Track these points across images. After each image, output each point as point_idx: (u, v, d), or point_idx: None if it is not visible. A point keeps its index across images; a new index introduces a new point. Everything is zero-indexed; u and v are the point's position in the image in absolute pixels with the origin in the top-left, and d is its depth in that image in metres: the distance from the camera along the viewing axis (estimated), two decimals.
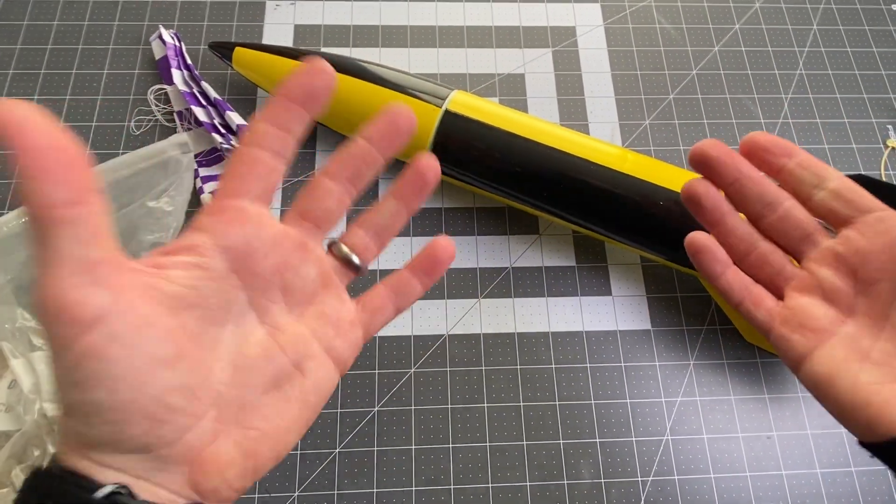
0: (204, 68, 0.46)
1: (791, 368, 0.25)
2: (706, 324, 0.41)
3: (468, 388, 0.38)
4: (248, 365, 0.21)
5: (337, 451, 0.36)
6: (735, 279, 0.26)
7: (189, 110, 0.42)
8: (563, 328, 0.40)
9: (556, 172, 0.38)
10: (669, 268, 0.41)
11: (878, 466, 0.37)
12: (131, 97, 0.45)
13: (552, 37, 0.49)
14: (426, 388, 0.38)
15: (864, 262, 0.24)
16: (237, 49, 0.42)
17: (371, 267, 0.39)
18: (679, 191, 0.36)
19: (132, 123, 0.44)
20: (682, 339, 0.40)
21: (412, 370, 0.39)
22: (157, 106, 0.44)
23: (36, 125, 0.16)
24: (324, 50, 0.47)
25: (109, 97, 0.45)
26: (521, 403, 0.38)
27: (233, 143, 0.41)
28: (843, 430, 0.38)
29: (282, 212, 0.42)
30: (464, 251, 0.42)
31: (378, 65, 0.41)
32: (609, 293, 0.41)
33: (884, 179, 0.46)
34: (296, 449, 0.36)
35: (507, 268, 0.42)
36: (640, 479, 0.37)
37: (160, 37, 0.45)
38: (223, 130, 0.41)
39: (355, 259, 0.24)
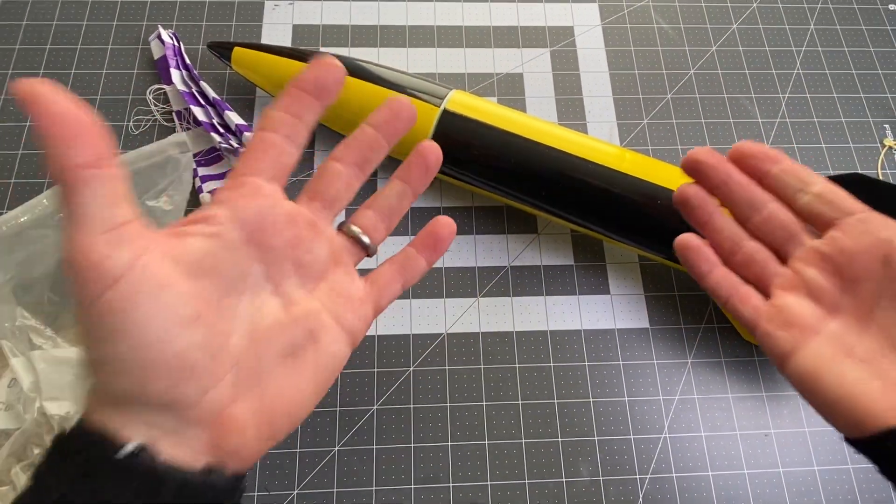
0: (203, 68, 0.46)
1: (777, 365, 0.25)
2: (704, 322, 0.41)
3: (467, 386, 0.38)
4: (264, 334, 0.22)
5: (336, 449, 0.36)
6: (722, 277, 0.27)
7: (188, 110, 0.42)
8: (561, 327, 0.40)
9: (554, 172, 0.38)
10: (667, 266, 0.41)
11: None
12: (130, 97, 0.45)
13: (550, 36, 0.50)
14: (425, 387, 0.38)
15: (848, 261, 0.24)
16: (236, 49, 0.42)
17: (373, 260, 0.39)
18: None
19: (131, 123, 0.44)
20: (680, 338, 0.40)
21: (411, 369, 0.39)
22: (155, 106, 0.44)
23: (56, 96, 0.17)
24: (322, 50, 0.47)
25: (108, 97, 0.45)
26: (520, 402, 0.38)
27: (231, 142, 0.41)
28: None
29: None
30: (462, 250, 0.42)
31: (377, 64, 0.41)
32: (607, 292, 0.41)
33: (880, 178, 0.46)
34: (295, 447, 0.36)
35: (505, 267, 0.42)
36: (638, 476, 0.37)
37: (159, 37, 0.45)
38: (222, 130, 0.42)
39: (365, 238, 0.25)
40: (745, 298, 0.26)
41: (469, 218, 0.43)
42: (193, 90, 0.43)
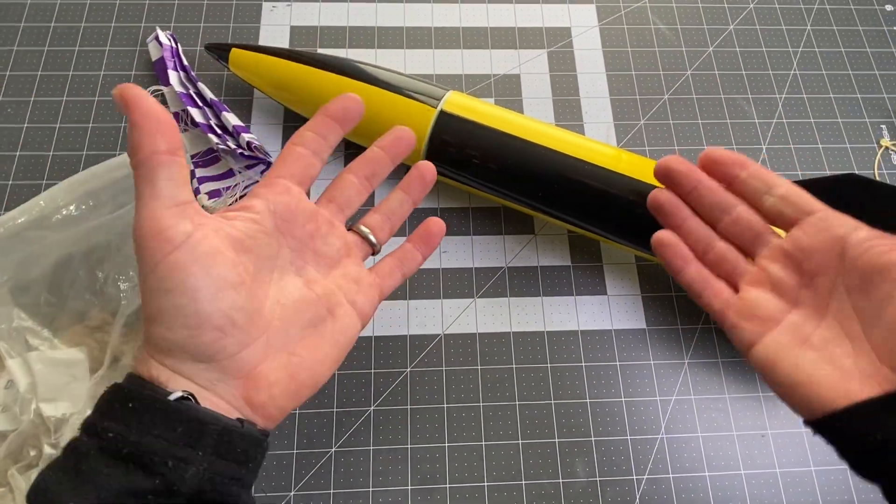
0: (200, 69, 0.46)
1: (742, 353, 0.28)
2: (701, 322, 0.41)
3: (464, 387, 0.38)
4: (291, 306, 0.26)
5: (333, 450, 0.36)
6: (696, 273, 0.30)
7: (185, 111, 0.42)
8: (558, 327, 0.40)
9: (550, 172, 0.38)
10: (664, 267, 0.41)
11: None
12: None
13: (547, 38, 0.50)
14: (422, 388, 0.38)
15: (807, 257, 0.27)
16: (233, 50, 0.42)
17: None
18: None
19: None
20: (676, 338, 0.40)
21: (408, 370, 0.39)
22: None
23: (146, 97, 0.22)
24: (320, 51, 0.47)
25: (106, 98, 0.45)
26: (517, 402, 0.38)
27: (229, 143, 0.41)
28: None
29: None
30: (459, 251, 0.42)
31: (374, 66, 0.41)
32: (604, 292, 0.41)
33: (877, 179, 0.46)
34: (291, 448, 0.36)
35: (502, 267, 0.42)
36: (635, 477, 0.37)
37: (157, 38, 0.46)
38: (219, 131, 0.42)
39: (371, 237, 0.31)
40: (717, 293, 0.29)
41: (466, 219, 0.43)
42: (191, 91, 0.43)
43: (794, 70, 0.50)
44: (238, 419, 0.23)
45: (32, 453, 0.31)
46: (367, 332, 0.39)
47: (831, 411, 0.24)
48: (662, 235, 0.30)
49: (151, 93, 0.44)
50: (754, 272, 0.28)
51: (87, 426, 0.22)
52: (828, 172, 0.46)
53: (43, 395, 0.31)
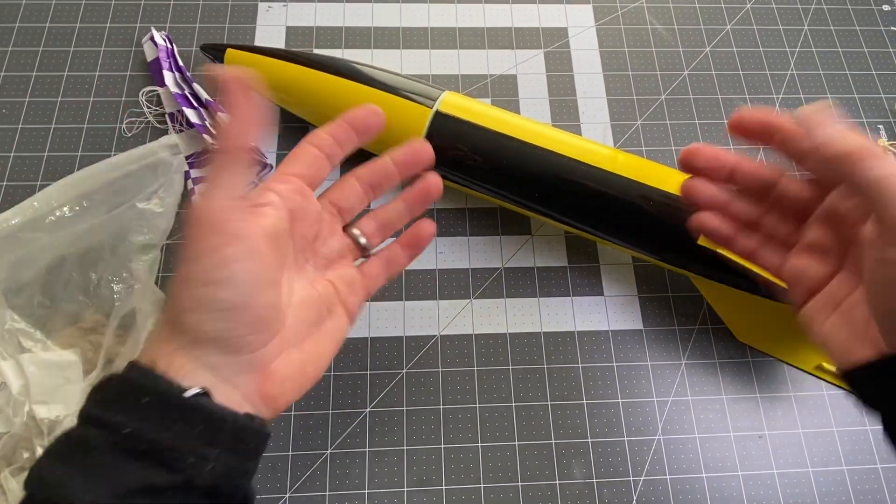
0: (195, 70, 0.46)
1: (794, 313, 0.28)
2: (698, 323, 0.41)
3: (460, 388, 0.38)
4: (300, 303, 0.27)
5: (328, 452, 0.36)
6: (746, 244, 0.30)
7: (181, 112, 0.42)
8: (554, 328, 0.40)
9: (547, 173, 0.38)
10: (661, 268, 0.41)
11: (870, 465, 0.37)
12: (123, 99, 0.45)
13: (544, 38, 0.49)
14: (418, 389, 0.38)
15: (845, 219, 0.27)
16: (229, 51, 0.42)
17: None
18: (670, 190, 0.36)
19: (124, 125, 0.44)
20: (673, 339, 0.40)
21: (404, 371, 0.38)
22: (148, 108, 0.44)
23: (249, 91, 0.23)
24: (316, 51, 0.47)
25: (101, 99, 0.45)
26: (513, 403, 0.38)
27: None
28: (836, 430, 0.38)
29: None
30: (456, 252, 0.42)
31: (369, 66, 0.41)
32: (601, 293, 0.41)
33: None
34: (287, 450, 0.36)
35: (499, 268, 0.42)
36: (631, 478, 0.37)
37: (152, 39, 0.45)
38: (214, 132, 0.41)
39: (363, 240, 0.31)
40: (769, 260, 0.29)
41: (463, 219, 0.43)
42: (186, 92, 0.43)
43: (792, 70, 0.49)
44: (247, 414, 0.23)
45: (25, 455, 0.31)
46: (363, 333, 0.39)
47: (843, 369, 0.25)
48: (703, 218, 0.30)
49: (146, 94, 0.44)
50: (803, 240, 0.28)
51: (93, 418, 0.21)
52: None
53: (36, 397, 0.31)
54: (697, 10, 0.51)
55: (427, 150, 0.30)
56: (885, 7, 0.53)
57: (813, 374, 0.36)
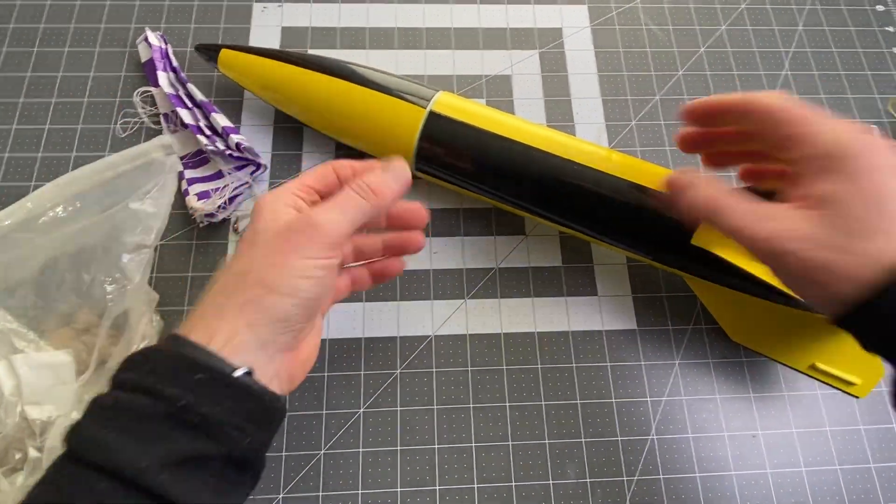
0: (190, 70, 0.46)
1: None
2: (692, 323, 0.41)
3: (454, 388, 0.38)
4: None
5: (322, 452, 0.36)
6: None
7: (175, 112, 0.42)
8: (549, 328, 0.40)
9: (541, 173, 0.38)
10: (655, 268, 0.41)
11: (863, 465, 0.37)
12: (118, 99, 0.45)
13: (539, 38, 0.50)
14: (412, 389, 0.38)
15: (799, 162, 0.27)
16: (223, 51, 0.42)
17: None
18: (664, 191, 0.36)
19: (118, 126, 0.44)
20: (667, 339, 0.40)
21: (398, 371, 0.38)
22: (143, 108, 0.44)
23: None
24: (311, 52, 0.47)
25: (96, 99, 0.45)
26: (507, 404, 0.38)
27: (218, 144, 0.41)
28: (829, 429, 0.38)
29: None
30: (450, 252, 0.42)
31: (363, 66, 0.41)
32: (595, 293, 0.41)
33: None
34: (280, 450, 0.36)
35: (493, 268, 0.42)
36: (625, 478, 0.37)
37: (146, 39, 0.45)
38: (208, 132, 0.41)
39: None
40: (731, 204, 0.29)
41: (457, 219, 0.43)
42: (181, 93, 0.43)
43: (786, 70, 0.50)
44: (273, 393, 0.25)
45: (17, 456, 0.31)
46: (357, 334, 0.39)
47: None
48: (676, 177, 0.32)
49: (141, 94, 0.44)
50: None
51: (144, 388, 0.23)
52: None
53: (28, 397, 0.31)
54: (692, 11, 0.52)
55: (423, 216, 0.33)
56: (879, 7, 0.53)
57: (806, 374, 0.36)
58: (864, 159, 0.24)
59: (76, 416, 0.31)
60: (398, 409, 0.38)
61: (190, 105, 0.43)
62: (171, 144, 0.37)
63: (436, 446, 0.37)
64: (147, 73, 0.45)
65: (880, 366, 0.35)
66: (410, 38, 0.49)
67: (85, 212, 0.35)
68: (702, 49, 0.50)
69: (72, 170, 0.39)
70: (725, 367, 0.40)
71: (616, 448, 0.37)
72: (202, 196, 0.40)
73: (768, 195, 0.29)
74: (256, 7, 0.49)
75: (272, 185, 0.43)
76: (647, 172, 0.38)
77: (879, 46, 0.51)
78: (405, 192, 0.30)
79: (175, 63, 0.45)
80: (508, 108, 0.47)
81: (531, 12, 0.50)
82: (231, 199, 0.41)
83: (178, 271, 0.40)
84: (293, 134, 0.45)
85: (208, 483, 0.23)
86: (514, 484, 0.36)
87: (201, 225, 0.41)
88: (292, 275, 0.26)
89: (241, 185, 0.41)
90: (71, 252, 0.34)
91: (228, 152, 0.40)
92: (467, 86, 0.47)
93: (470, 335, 0.40)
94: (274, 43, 0.48)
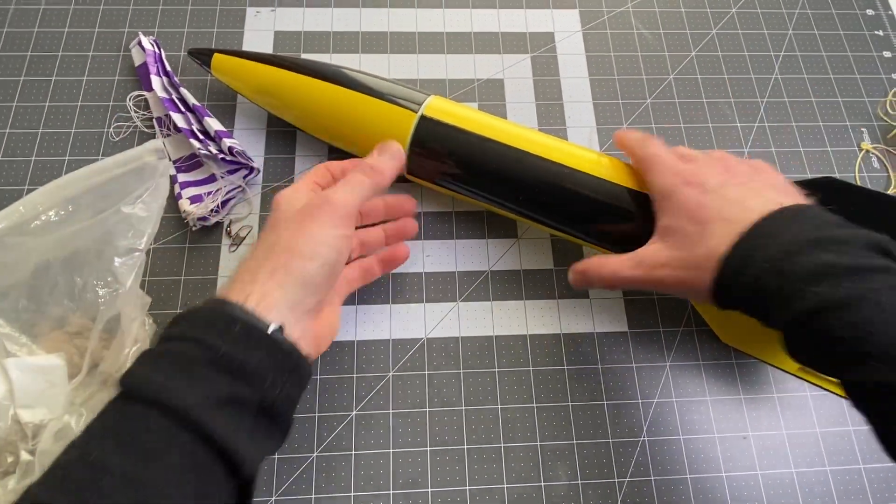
0: (183, 75, 0.46)
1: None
2: (682, 325, 0.41)
3: (446, 391, 0.38)
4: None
5: (314, 455, 0.36)
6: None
7: (168, 116, 0.42)
8: (540, 331, 0.40)
9: (532, 177, 0.38)
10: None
11: (853, 465, 0.38)
12: (111, 104, 0.45)
13: (531, 42, 0.50)
14: (404, 392, 0.38)
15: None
16: (216, 55, 0.42)
17: None
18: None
19: (111, 130, 0.44)
20: (658, 341, 0.40)
21: (390, 374, 0.39)
22: (136, 112, 0.44)
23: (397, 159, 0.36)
24: (304, 56, 0.48)
25: (89, 104, 0.45)
26: (499, 406, 0.38)
27: (210, 148, 0.41)
28: (819, 431, 0.39)
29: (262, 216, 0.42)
30: (442, 255, 0.42)
31: (355, 70, 0.41)
32: (586, 296, 0.41)
33: (857, 182, 0.46)
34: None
35: (485, 271, 0.42)
36: (616, 480, 0.37)
37: (140, 43, 0.46)
38: (201, 136, 0.42)
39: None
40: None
41: (449, 223, 0.43)
42: (173, 97, 0.43)
43: (776, 74, 0.50)
44: (300, 350, 0.28)
45: (10, 460, 0.31)
46: (349, 336, 0.39)
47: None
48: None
49: (134, 98, 0.44)
50: None
51: (190, 338, 0.26)
52: (809, 176, 0.46)
53: (20, 401, 0.31)
54: (683, 15, 0.52)
55: (413, 203, 0.39)
56: (869, 11, 0.53)
57: (796, 376, 0.37)
58: (680, 194, 0.33)
59: (68, 419, 0.31)
60: (390, 411, 0.38)
61: (183, 109, 0.43)
62: (163, 148, 0.37)
63: (428, 448, 0.37)
64: (140, 77, 0.45)
65: None
66: (403, 43, 0.49)
67: (77, 216, 0.35)
68: (693, 53, 0.50)
69: (65, 174, 0.40)
70: (716, 369, 0.40)
71: (607, 450, 0.37)
72: (195, 200, 0.40)
73: None
74: (250, 11, 0.49)
75: (265, 189, 0.43)
76: (638, 176, 0.38)
77: (869, 50, 0.51)
78: (401, 168, 0.36)
79: (168, 67, 0.45)
80: (501, 111, 0.47)
81: (523, 16, 0.51)
82: (224, 203, 0.41)
83: (171, 275, 0.40)
84: (286, 138, 0.45)
85: (244, 426, 0.26)
86: (505, 486, 0.36)
87: (194, 228, 0.41)
88: (314, 241, 0.30)
89: (234, 188, 0.41)
90: (63, 256, 0.34)
91: (221, 156, 0.40)
92: (460, 89, 0.48)
93: (462, 338, 0.40)
94: (267, 47, 0.48)
